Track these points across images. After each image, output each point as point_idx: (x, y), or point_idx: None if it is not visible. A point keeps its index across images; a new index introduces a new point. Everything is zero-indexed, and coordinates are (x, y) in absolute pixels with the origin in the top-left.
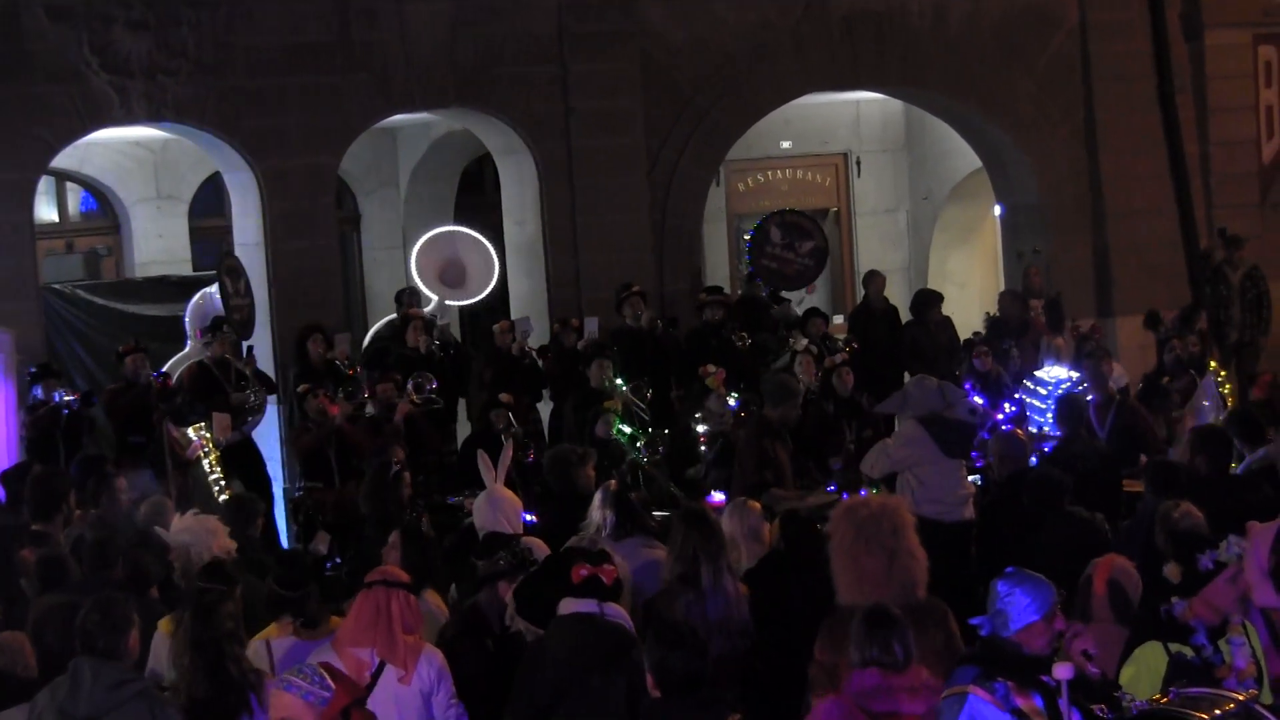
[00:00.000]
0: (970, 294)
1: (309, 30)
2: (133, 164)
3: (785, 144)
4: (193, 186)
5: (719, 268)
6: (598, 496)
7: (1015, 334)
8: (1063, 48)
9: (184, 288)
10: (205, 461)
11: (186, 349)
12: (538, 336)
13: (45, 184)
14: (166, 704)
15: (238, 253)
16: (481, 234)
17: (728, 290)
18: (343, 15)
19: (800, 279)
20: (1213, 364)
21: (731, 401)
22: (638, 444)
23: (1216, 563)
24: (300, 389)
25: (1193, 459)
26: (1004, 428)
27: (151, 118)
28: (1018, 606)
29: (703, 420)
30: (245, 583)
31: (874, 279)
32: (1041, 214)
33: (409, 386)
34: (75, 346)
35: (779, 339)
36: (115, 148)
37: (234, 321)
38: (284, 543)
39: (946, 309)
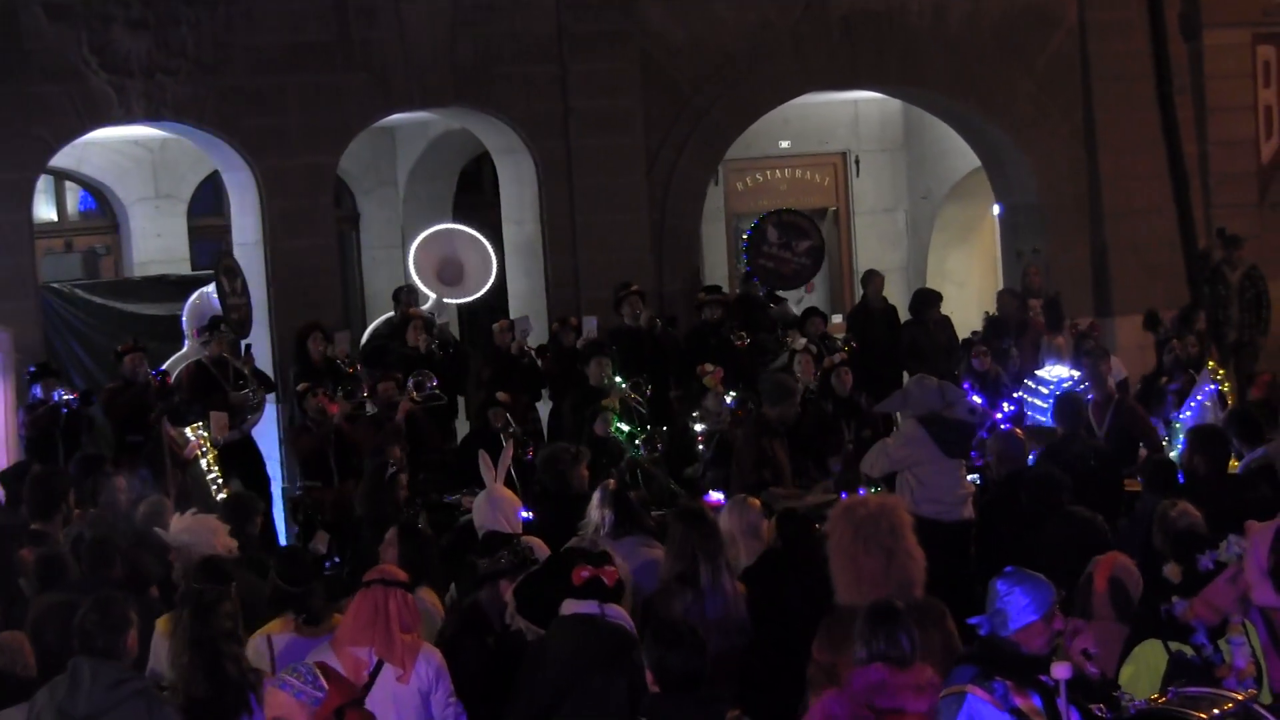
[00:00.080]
0: (969, 293)
1: (308, 29)
2: (131, 163)
3: (784, 143)
4: (191, 186)
5: (718, 267)
6: (596, 495)
7: (1015, 333)
8: (1062, 47)
9: (183, 287)
10: (203, 461)
11: (184, 349)
12: (536, 336)
13: (44, 183)
14: (165, 703)
15: (236, 252)
16: (480, 233)
17: (726, 290)
18: (342, 15)
19: (797, 278)
20: (1211, 363)
21: (729, 400)
22: (636, 442)
23: (1217, 562)
24: (300, 388)
25: (1191, 459)
26: (1003, 427)
27: (150, 117)
28: (1016, 606)
29: (700, 419)
30: (244, 581)
31: (872, 278)
32: (1040, 213)
33: (409, 385)
34: (74, 345)
35: (776, 339)
36: (114, 147)
37: (231, 321)
38: (282, 542)
39: (945, 308)
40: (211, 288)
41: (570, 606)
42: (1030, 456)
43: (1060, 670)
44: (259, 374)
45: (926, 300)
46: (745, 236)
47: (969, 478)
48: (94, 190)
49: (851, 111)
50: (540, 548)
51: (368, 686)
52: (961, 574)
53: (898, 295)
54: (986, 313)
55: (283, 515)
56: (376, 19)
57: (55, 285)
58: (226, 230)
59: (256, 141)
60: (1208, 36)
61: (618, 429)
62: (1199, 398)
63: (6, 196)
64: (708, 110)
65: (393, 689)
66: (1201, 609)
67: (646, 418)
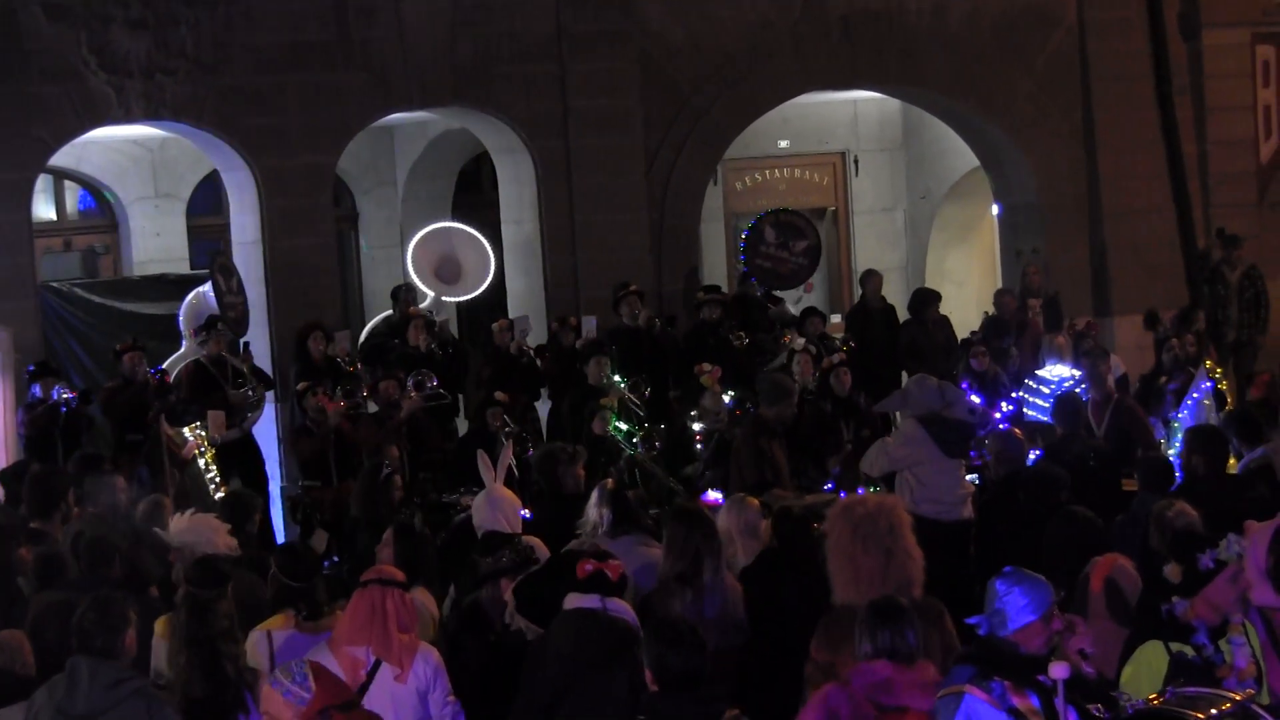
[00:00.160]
0: (968, 293)
1: (307, 29)
2: (130, 162)
3: (783, 143)
4: (190, 185)
5: (717, 267)
6: (595, 494)
7: (1015, 333)
8: (1061, 47)
9: (182, 286)
10: (201, 460)
11: (182, 349)
12: (535, 335)
13: (43, 182)
14: (164, 703)
15: (236, 251)
16: (479, 232)
17: (725, 289)
18: (341, 14)
19: (794, 278)
20: (1208, 362)
21: (727, 400)
22: (634, 440)
23: (1217, 561)
24: (299, 387)
25: (1190, 459)
26: (1002, 427)
27: (149, 117)
28: (1015, 606)
29: (698, 418)
30: (243, 580)
31: (871, 278)
32: (1040, 213)
33: (409, 385)
34: (73, 345)
35: (774, 339)
36: (113, 146)
37: (229, 319)
38: (280, 541)
39: (944, 308)
40: (208, 287)
41: (573, 601)
42: (1030, 456)
43: (1058, 670)
44: (258, 372)
45: (925, 300)
46: (743, 237)
47: (968, 477)
48: (93, 189)
49: (850, 111)
50: (541, 547)
51: (365, 686)
52: (961, 574)
53: (897, 295)
54: (986, 312)
55: (281, 514)
56: (376, 19)
57: (54, 284)
58: (225, 230)
59: (256, 141)
60: (1207, 36)
61: (616, 428)
62: (1195, 395)
63: (6, 196)
64: (707, 110)
65: (390, 688)
66: (1202, 608)
67: (644, 418)
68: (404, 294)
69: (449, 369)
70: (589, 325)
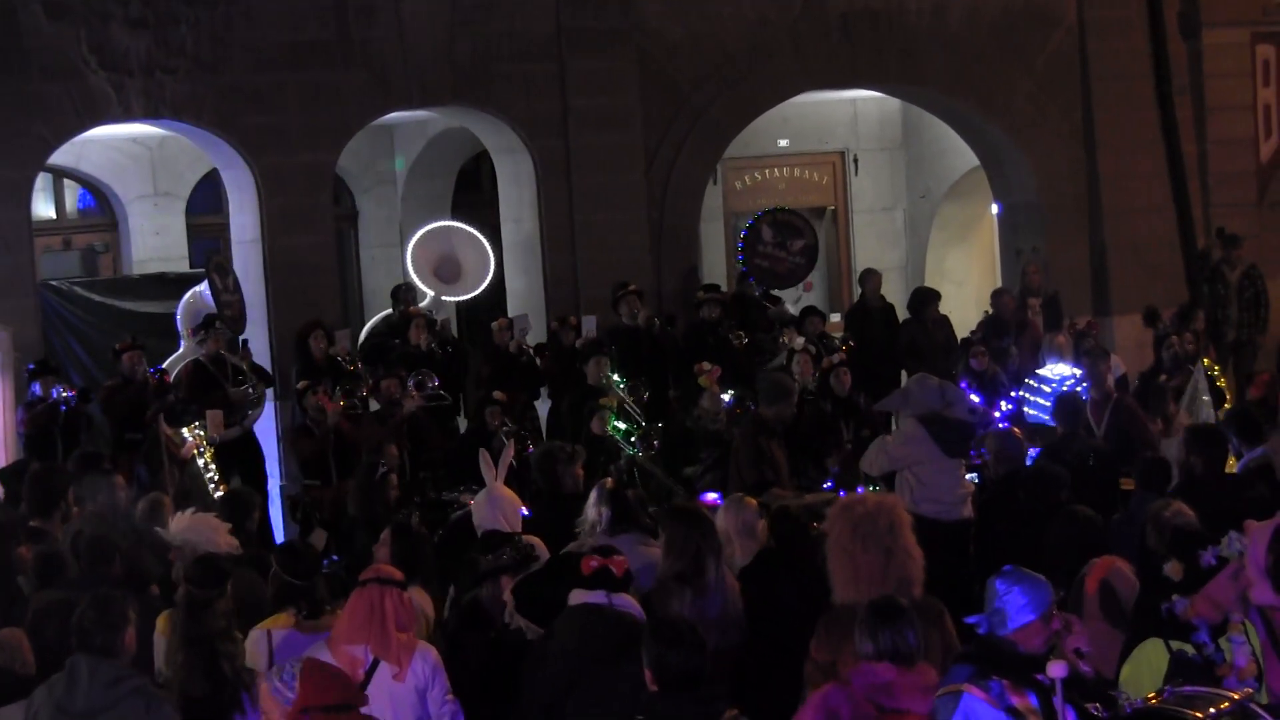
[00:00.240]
0: (968, 292)
1: (307, 28)
2: (130, 161)
3: (783, 142)
4: (190, 183)
5: (716, 266)
6: (594, 493)
7: (1015, 333)
8: (1061, 46)
9: (181, 285)
10: (201, 460)
11: (181, 349)
12: (534, 334)
13: (43, 181)
14: (163, 701)
15: (235, 250)
16: (478, 232)
17: (725, 288)
18: (341, 13)
19: (792, 277)
20: (1206, 361)
21: (726, 399)
22: (632, 439)
23: (1219, 559)
24: (299, 386)
25: (1188, 458)
26: (1001, 426)
27: (149, 115)
28: (1015, 605)
29: (697, 419)
30: (243, 578)
31: (870, 277)
32: (1039, 212)
33: (410, 384)
34: (72, 343)
35: (773, 338)
36: (113, 145)
37: (226, 317)
38: (279, 539)
39: (944, 307)
40: (204, 286)
41: (578, 597)
42: (1030, 456)
43: (1056, 669)
44: (257, 369)
45: (925, 299)
46: (741, 237)
47: (968, 476)
48: (93, 188)
49: (850, 110)
50: (541, 547)
51: (364, 685)
52: (960, 573)
53: (896, 294)
54: (986, 312)
55: (280, 513)
56: (375, 18)
57: (54, 283)
58: (225, 228)
59: (255, 140)
60: (1207, 35)
61: (615, 427)
62: (1200, 392)
63: (5, 194)
64: (706, 109)
65: (389, 687)
66: (1203, 606)
67: (641, 421)
68: (404, 293)
69: (449, 368)
70: (589, 324)
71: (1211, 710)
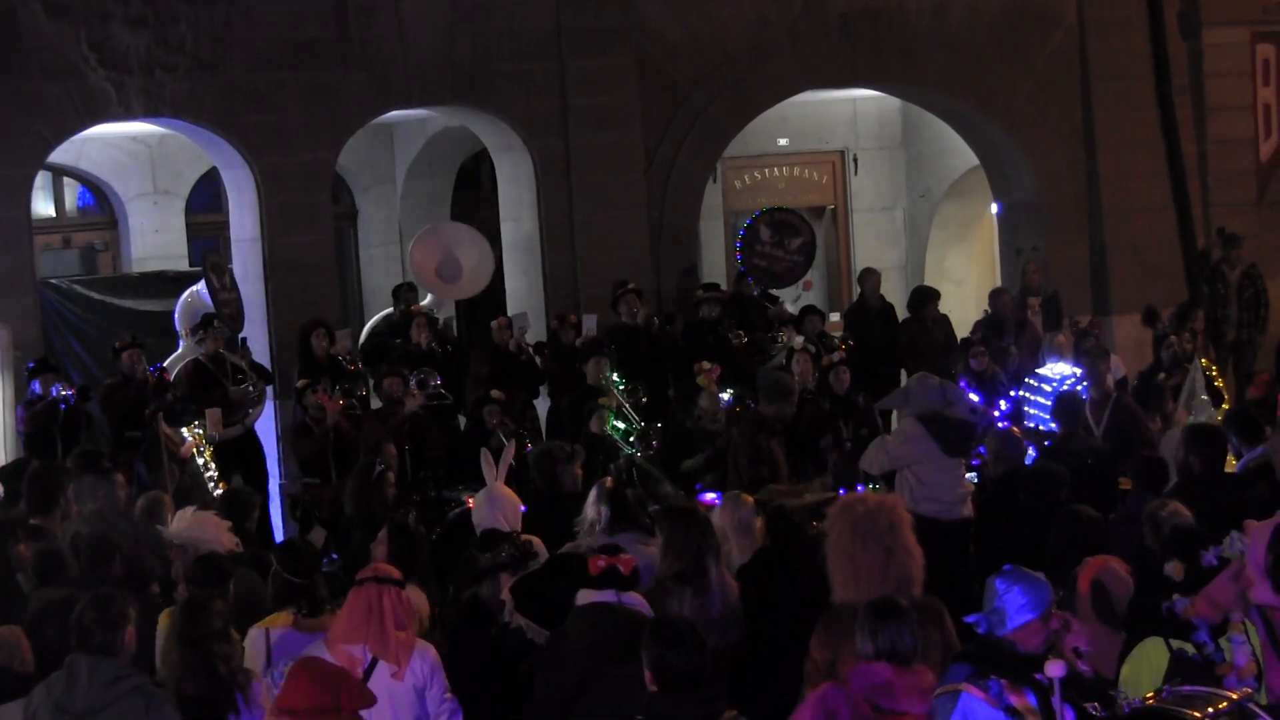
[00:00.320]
0: (967, 291)
1: (307, 27)
2: (130, 159)
3: (782, 141)
4: (190, 182)
5: (716, 265)
6: (593, 492)
7: (1015, 332)
8: (1061, 46)
9: (180, 283)
10: (200, 459)
11: (180, 348)
12: (534, 333)
13: (42, 179)
14: (162, 700)
15: (234, 249)
16: (478, 231)
17: (724, 287)
18: (340, 12)
19: (790, 276)
20: (1204, 360)
21: (726, 397)
22: (631, 439)
23: (1221, 558)
24: (299, 384)
25: (1187, 457)
26: (1001, 425)
27: (149, 114)
28: (1014, 605)
29: (695, 418)
30: (242, 576)
31: (870, 276)
32: (1039, 212)
33: (412, 383)
34: (72, 342)
35: (772, 338)
36: (112, 143)
37: (224, 316)
38: (279, 538)
39: (944, 307)
40: (201, 286)
41: (586, 596)
42: (1029, 455)
43: (1055, 668)
44: (257, 367)
45: (925, 298)
46: (739, 237)
47: (967, 476)
48: (92, 186)
49: (850, 109)
50: (540, 545)
51: (363, 683)
52: (960, 573)
53: (896, 293)
54: (986, 311)
55: (280, 511)
56: (375, 17)
57: (54, 281)
58: (224, 227)
59: (255, 139)
60: (1207, 35)
61: (614, 427)
62: (1200, 392)
63: (5, 193)
64: (706, 108)
65: (388, 686)
66: (1203, 606)
67: (639, 422)
68: (405, 292)
69: (449, 367)
70: (589, 323)
71: (1210, 710)
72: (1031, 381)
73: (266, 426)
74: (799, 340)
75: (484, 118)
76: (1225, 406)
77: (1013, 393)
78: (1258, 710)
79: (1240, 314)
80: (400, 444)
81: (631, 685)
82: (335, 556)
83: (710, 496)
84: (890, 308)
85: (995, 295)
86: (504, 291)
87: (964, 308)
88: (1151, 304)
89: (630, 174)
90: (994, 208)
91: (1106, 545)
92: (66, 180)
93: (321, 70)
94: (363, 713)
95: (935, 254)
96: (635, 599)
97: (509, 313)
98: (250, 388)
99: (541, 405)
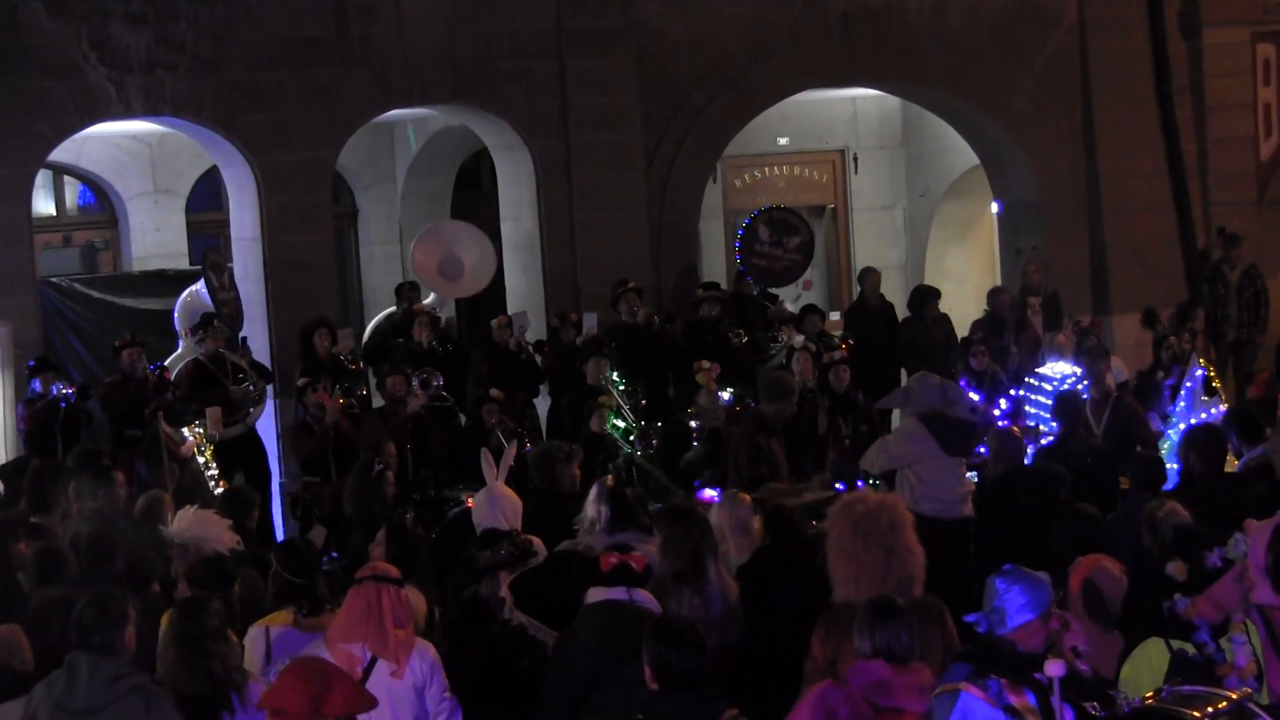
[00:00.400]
0: (967, 291)
1: (307, 26)
2: (130, 158)
3: (782, 140)
4: (190, 181)
5: (716, 264)
6: (594, 491)
7: (1015, 331)
8: (1061, 45)
9: (181, 281)
10: (201, 458)
11: (180, 348)
12: (534, 332)
13: (43, 178)
14: (162, 699)
15: (235, 247)
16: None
17: (724, 286)
18: (341, 11)
19: (789, 275)
20: (1202, 360)
21: (726, 396)
22: (631, 438)
23: (1225, 560)
24: (300, 383)
25: (1187, 457)
26: (1001, 424)
27: (149, 112)
28: (1014, 604)
29: (694, 416)
30: (242, 576)
31: (870, 275)
32: (1039, 211)
33: (415, 383)
34: (72, 340)
35: (771, 337)
36: (113, 141)
37: (224, 315)
38: (280, 537)
39: (944, 306)
40: (200, 285)
41: (597, 594)
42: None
43: (1054, 668)
44: (257, 366)
45: (925, 296)
46: (738, 237)
47: (968, 475)
48: (93, 185)
49: (850, 109)
50: (539, 544)
51: (361, 682)
52: (960, 572)
53: (896, 293)
54: (986, 310)
55: (281, 510)
56: (376, 15)
57: (54, 280)
58: (225, 226)
59: (255, 137)
60: (1207, 35)
61: (614, 426)
62: (1189, 384)
63: (5, 191)
64: (706, 107)
65: (387, 684)
66: (1205, 606)
67: (639, 421)
68: (408, 291)
69: (450, 366)
70: (590, 322)
71: (1209, 710)
72: (1031, 381)
73: (267, 426)
74: (799, 339)
75: (484, 117)
76: (1221, 400)
77: (1013, 392)
78: (1257, 710)
79: (1240, 314)
80: (403, 443)
81: (641, 683)
82: (335, 555)
83: (710, 494)
84: (890, 307)
85: (994, 294)
86: (504, 290)
87: (964, 307)
88: (1151, 305)
89: (630, 173)
90: (994, 207)
91: (1108, 545)
92: (67, 179)
93: (322, 69)
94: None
95: (935, 253)
96: (646, 597)
97: (509, 311)
98: (250, 387)
99: (542, 404)
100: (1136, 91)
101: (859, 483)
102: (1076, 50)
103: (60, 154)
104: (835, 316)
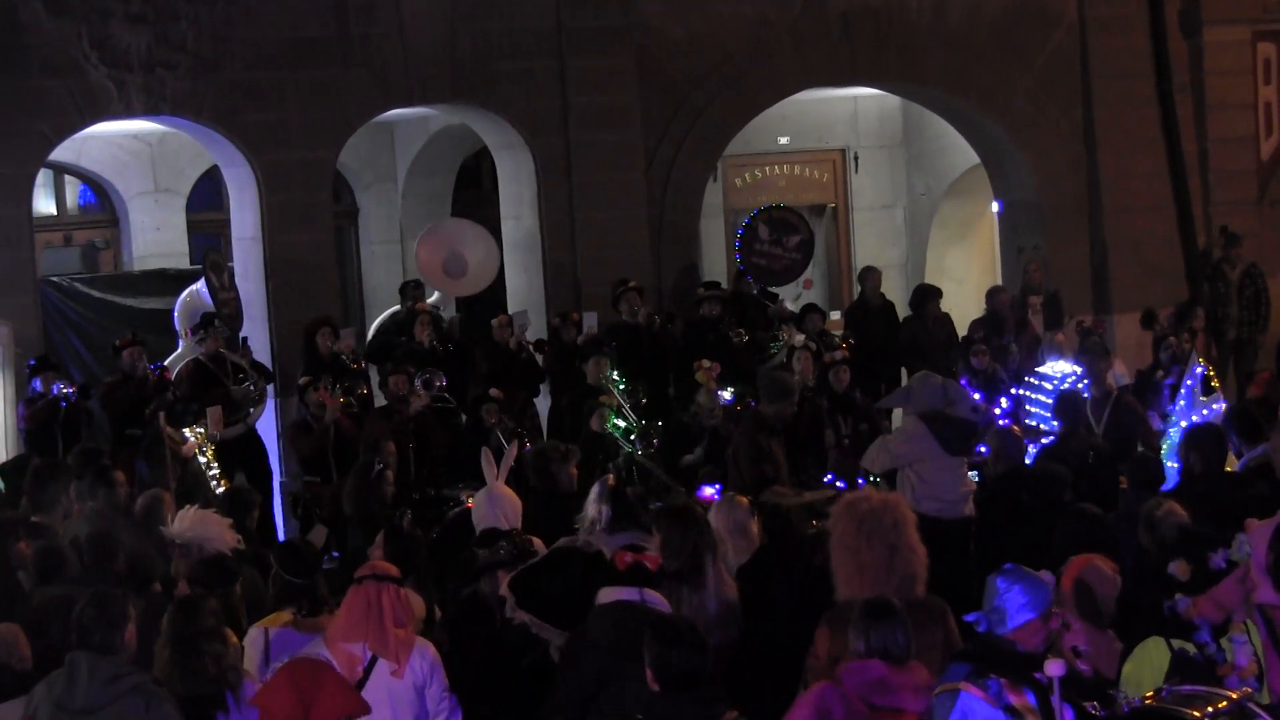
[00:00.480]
0: (968, 290)
1: (307, 25)
2: (130, 157)
3: (783, 140)
4: (190, 180)
5: (716, 263)
6: (595, 490)
7: (1015, 330)
8: (1061, 45)
9: (181, 281)
10: (202, 457)
11: (180, 347)
12: (534, 331)
13: (43, 177)
14: (162, 698)
15: (235, 247)
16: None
17: (725, 285)
18: (341, 10)
19: (789, 273)
20: (1202, 359)
21: (727, 396)
22: (631, 437)
23: (1229, 561)
24: (301, 381)
25: (1187, 457)
26: (1001, 423)
27: (150, 112)
28: (1015, 604)
29: (694, 416)
30: (245, 576)
31: (870, 275)
32: (1039, 211)
33: (417, 383)
34: (73, 339)
35: (772, 335)
36: (113, 141)
37: (224, 315)
38: (281, 536)
39: (944, 305)
40: (200, 284)
41: (610, 594)
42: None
43: (1053, 668)
44: (258, 366)
45: (926, 295)
46: (738, 236)
47: (969, 474)
48: (93, 184)
49: (850, 108)
50: (540, 544)
51: (362, 682)
52: (962, 572)
53: (896, 292)
54: (985, 310)
55: (282, 510)
56: (376, 15)
57: (54, 279)
58: (225, 225)
59: (255, 137)
60: (1208, 33)
61: (614, 425)
62: (1189, 382)
63: (6, 191)
64: (706, 106)
65: (387, 684)
66: (1207, 606)
67: (639, 421)
68: (412, 289)
69: (451, 365)
70: (591, 322)
71: (1209, 709)
72: (1032, 380)
73: (268, 425)
74: (800, 338)
75: (485, 116)
76: (1216, 394)
77: (1013, 391)
78: (1257, 710)
79: (1241, 313)
80: (405, 442)
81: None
82: (336, 555)
83: (709, 492)
84: (890, 306)
85: (993, 294)
86: (505, 290)
87: (964, 306)
88: (1150, 305)
89: (631, 173)
90: (994, 206)
91: (1111, 544)
92: (67, 178)
93: (322, 68)
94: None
95: (936, 252)
96: (657, 598)
97: (509, 311)
98: (251, 387)
99: (542, 404)
100: (1137, 90)
101: (860, 481)
102: (1077, 49)
103: (61, 153)
104: (836, 316)
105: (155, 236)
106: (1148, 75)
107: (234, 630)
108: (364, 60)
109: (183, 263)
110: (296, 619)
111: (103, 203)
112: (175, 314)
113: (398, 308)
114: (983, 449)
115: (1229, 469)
